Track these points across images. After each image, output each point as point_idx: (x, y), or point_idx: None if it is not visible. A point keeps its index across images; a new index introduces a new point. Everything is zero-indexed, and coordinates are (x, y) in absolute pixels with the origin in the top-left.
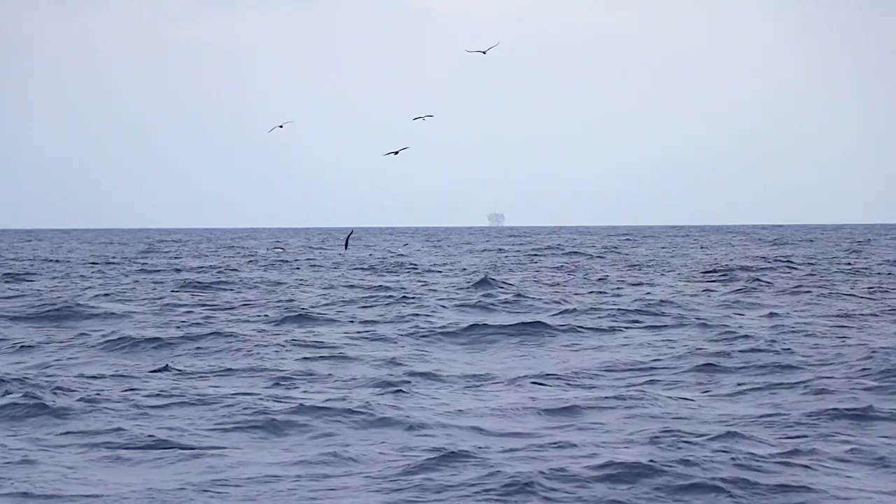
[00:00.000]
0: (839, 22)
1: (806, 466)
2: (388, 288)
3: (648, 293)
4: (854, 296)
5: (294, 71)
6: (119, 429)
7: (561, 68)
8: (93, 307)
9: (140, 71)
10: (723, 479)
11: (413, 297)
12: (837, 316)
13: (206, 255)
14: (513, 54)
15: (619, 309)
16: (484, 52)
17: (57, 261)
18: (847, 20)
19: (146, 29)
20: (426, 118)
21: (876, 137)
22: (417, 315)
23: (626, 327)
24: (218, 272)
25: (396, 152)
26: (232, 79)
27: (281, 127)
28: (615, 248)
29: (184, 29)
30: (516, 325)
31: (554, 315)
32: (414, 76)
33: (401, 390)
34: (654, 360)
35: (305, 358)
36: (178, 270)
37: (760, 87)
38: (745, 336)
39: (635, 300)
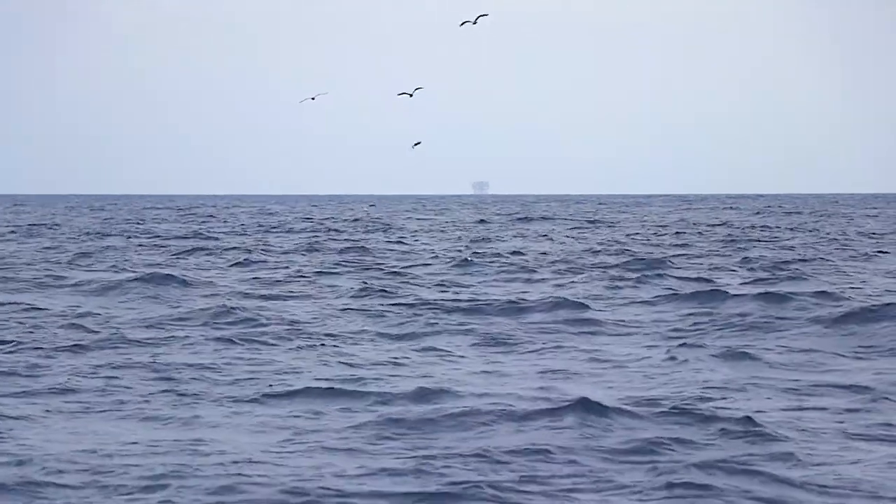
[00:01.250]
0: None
1: None
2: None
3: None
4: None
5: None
6: None
7: (548, 35)
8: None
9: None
10: None
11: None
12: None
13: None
14: (500, 21)
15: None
16: (473, 23)
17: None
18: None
19: None
20: (414, 92)
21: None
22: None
23: None
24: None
25: (411, 94)
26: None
27: (313, 99)
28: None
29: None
30: None
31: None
32: (398, 41)
33: None
34: None
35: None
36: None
37: (750, 54)
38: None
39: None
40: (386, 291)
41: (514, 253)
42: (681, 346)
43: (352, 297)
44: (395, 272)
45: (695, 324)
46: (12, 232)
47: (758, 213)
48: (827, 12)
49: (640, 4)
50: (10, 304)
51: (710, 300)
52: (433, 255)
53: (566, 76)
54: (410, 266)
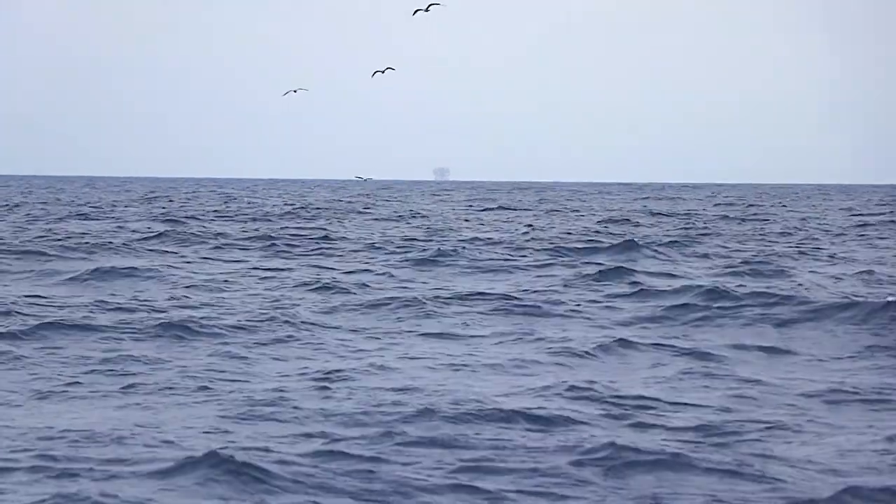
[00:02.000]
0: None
1: None
2: None
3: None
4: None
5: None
6: None
7: (513, 16)
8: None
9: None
10: None
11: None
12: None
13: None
14: (467, 5)
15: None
16: (426, 10)
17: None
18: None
19: None
20: (386, 71)
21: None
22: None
23: None
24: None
25: (383, 71)
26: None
27: (294, 92)
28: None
29: None
30: None
31: None
32: (361, 23)
33: None
34: None
35: None
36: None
37: (738, 45)
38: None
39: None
40: None
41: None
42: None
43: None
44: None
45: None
46: None
47: (717, 203)
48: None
49: None
50: None
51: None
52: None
53: (528, 62)
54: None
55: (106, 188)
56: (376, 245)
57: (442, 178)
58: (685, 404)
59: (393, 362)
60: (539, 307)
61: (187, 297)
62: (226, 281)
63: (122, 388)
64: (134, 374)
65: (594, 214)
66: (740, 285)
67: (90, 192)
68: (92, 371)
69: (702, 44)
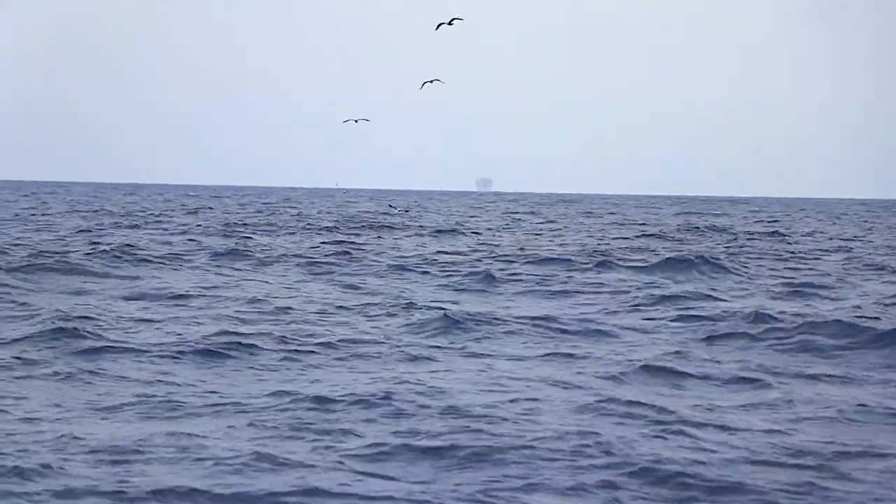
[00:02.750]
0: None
1: None
2: None
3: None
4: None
5: (285, 28)
6: None
7: (560, 29)
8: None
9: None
10: None
11: None
12: None
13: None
14: (504, 18)
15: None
16: (449, 24)
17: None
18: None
19: None
20: (434, 82)
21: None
22: None
23: None
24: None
25: (431, 82)
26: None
27: (356, 121)
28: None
29: None
30: None
31: None
32: (403, 36)
33: None
34: None
35: None
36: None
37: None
38: None
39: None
40: None
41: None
42: None
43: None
44: None
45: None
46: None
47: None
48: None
49: (647, 7)
50: None
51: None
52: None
53: (573, 76)
54: None
55: (146, 196)
56: (427, 262)
57: (485, 188)
58: (735, 428)
59: (444, 382)
60: (587, 328)
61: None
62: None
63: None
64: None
65: (642, 228)
66: (784, 310)
67: (138, 201)
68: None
69: (752, 70)
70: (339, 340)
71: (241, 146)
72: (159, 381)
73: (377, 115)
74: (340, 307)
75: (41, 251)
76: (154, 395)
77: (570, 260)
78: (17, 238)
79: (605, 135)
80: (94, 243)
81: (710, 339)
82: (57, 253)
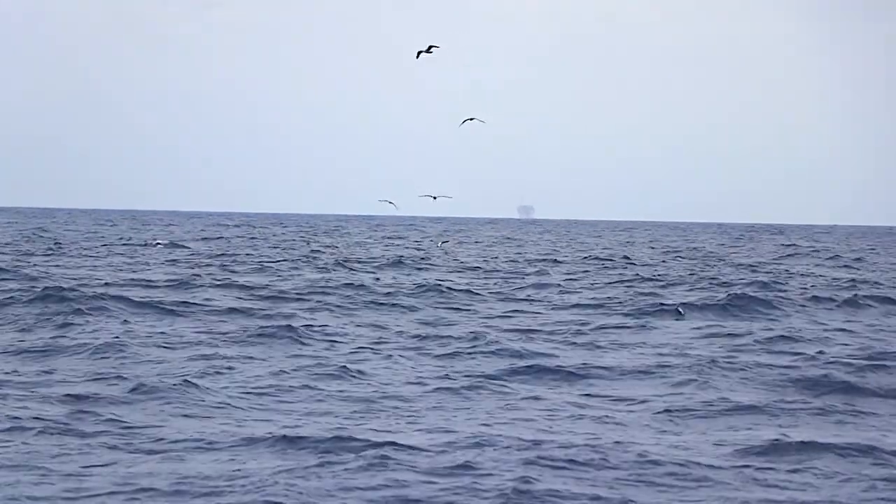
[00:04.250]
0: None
1: None
2: None
3: None
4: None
5: (307, 53)
6: None
7: (597, 58)
8: None
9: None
10: None
11: None
12: None
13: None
14: (546, 43)
15: None
16: (428, 51)
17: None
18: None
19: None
20: (473, 120)
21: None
22: None
23: None
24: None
25: (428, 50)
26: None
27: (471, 119)
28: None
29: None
30: None
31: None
32: (445, 63)
33: None
34: None
35: None
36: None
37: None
38: None
39: None
40: None
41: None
42: None
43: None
44: None
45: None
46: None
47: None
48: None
49: (693, 30)
50: None
51: None
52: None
53: (616, 100)
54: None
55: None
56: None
57: (526, 216)
58: None
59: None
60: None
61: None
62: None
63: None
64: None
65: (704, 261)
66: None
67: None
68: None
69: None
70: None
71: (267, 173)
72: None
73: (413, 143)
74: None
75: None
76: None
77: None
78: None
79: (644, 160)
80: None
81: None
82: None
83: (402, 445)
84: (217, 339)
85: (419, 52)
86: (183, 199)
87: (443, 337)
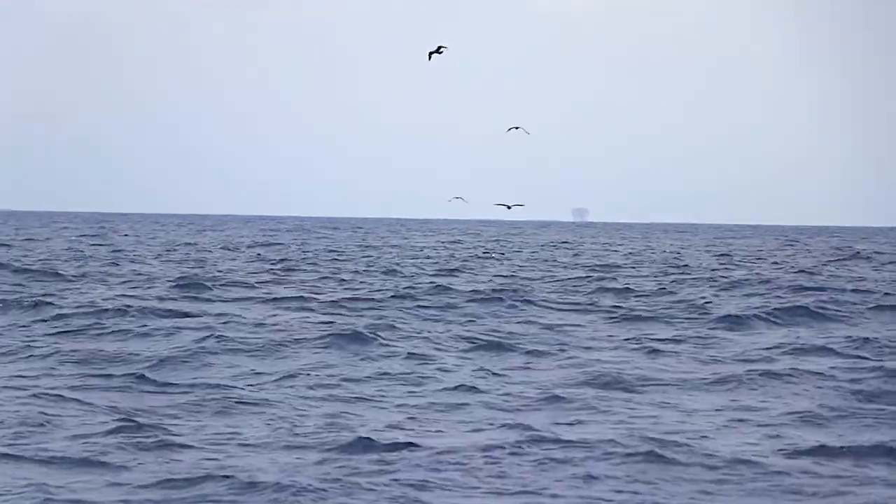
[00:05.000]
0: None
1: None
2: None
3: None
4: None
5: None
6: None
7: (653, 62)
8: None
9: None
10: None
11: None
12: None
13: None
14: (602, 43)
15: None
16: (438, 52)
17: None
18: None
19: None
20: (519, 129)
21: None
22: None
23: None
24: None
25: (438, 51)
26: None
27: (516, 128)
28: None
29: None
30: None
31: None
32: (492, 64)
33: None
34: None
35: None
36: None
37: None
38: None
39: None
40: None
41: None
42: None
43: None
44: None
45: None
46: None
47: None
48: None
49: (748, 31)
50: None
51: None
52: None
53: (669, 103)
54: None
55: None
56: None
57: (581, 218)
58: None
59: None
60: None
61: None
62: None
63: None
64: None
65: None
66: None
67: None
68: None
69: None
70: None
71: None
72: None
73: (467, 146)
74: None
75: None
76: None
77: None
78: None
79: (694, 162)
80: None
81: None
82: None
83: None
84: None
85: (430, 54)
86: (223, 203)
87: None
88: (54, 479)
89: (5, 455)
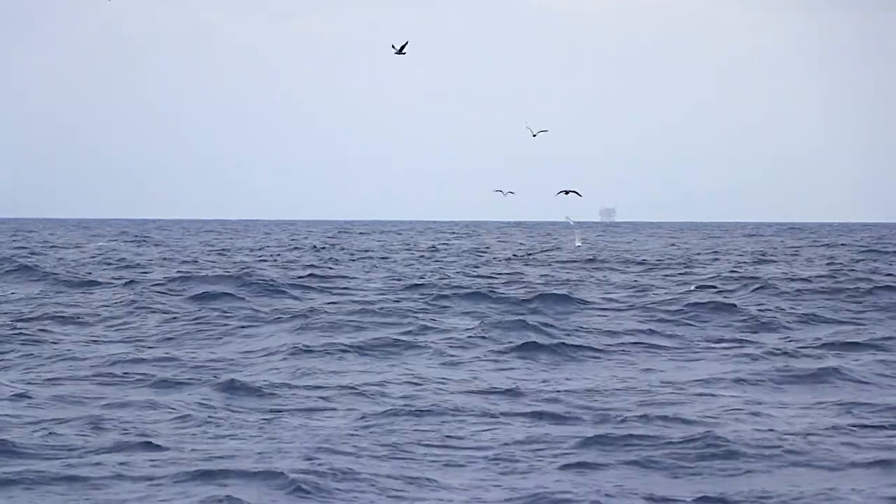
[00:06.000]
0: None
1: None
2: None
3: None
4: None
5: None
6: None
7: (679, 60)
8: None
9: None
10: None
11: None
12: None
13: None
14: (624, 42)
15: None
16: (534, 135)
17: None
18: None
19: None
20: (542, 132)
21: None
22: None
23: None
24: None
25: (534, 134)
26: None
27: (534, 135)
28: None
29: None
30: None
31: None
32: (521, 67)
33: None
34: None
35: None
36: None
37: None
38: None
39: None
40: None
41: None
42: None
43: None
44: None
45: None
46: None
47: None
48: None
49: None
50: None
51: None
52: None
53: (695, 101)
54: None
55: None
56: None
57: (608, 218)
58: None
59: None
60: None
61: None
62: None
63: None
64: None
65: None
66: None
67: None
68: None
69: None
70: None
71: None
72: None
73: (493, 147)
74: None
75: None
76: None
77: None
78: None
79: (722, 161)
80: None
81: None
82: None
83: None
84: None
85: (396, 49)
86: (246, 208)
87: None
88: None
89: None
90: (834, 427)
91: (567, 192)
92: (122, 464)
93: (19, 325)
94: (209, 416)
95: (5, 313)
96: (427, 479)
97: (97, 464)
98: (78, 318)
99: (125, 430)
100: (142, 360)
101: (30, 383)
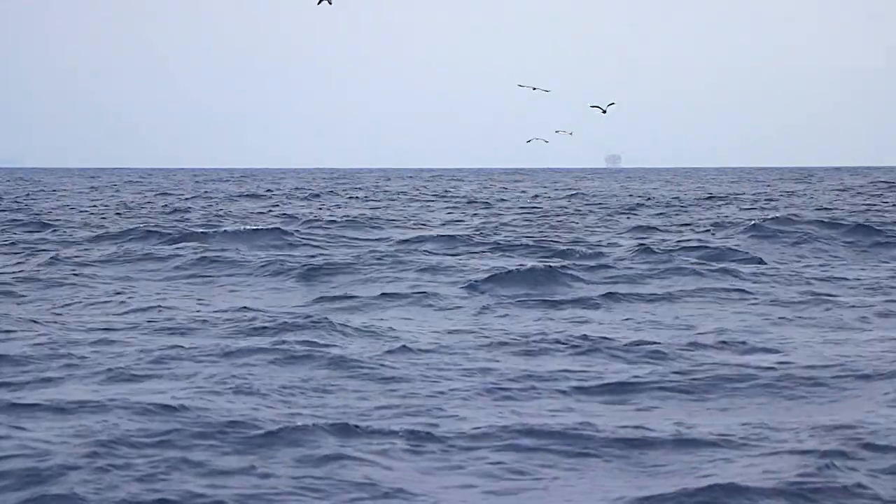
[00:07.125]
0: None
1: None
2: None
3: None
4: None
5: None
6: None
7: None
8: None
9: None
10: None
11: None
12: None
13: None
14: None
15: None
16: (604, 111)
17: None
18: None
19: None
20: (608, 108)
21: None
22: None
23: None
24: None
25: (604, 110)
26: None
27: (534, 89)
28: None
29: None
30: None
31: None
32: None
33: None
34: None
35: None
36: None
37: None
38: None
39: None
40: None
41: None
42: None
43: None
44: None
45: None
46: None
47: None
48: None
49: None
50: None
51: None
52: None
53: (702, 47)
54: None
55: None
56: None
57: (614, 165)
58: None
59: None
60: None
61: None
62: None
63: None
64: None
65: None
66: None
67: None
68: None
69: None
70: None
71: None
72: None
73: (493, 95)
74: None
75: None
76: None
77: None
78: None
79: (726, 107)
80: None
81: None
82: None
83: None
84: None
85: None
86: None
87: None
88: None
89: None
90: None
91: (600, 108)
92: None
93: None
94: None
95: None
96: None
97: None
98: None
99: None
100: None
101: None
